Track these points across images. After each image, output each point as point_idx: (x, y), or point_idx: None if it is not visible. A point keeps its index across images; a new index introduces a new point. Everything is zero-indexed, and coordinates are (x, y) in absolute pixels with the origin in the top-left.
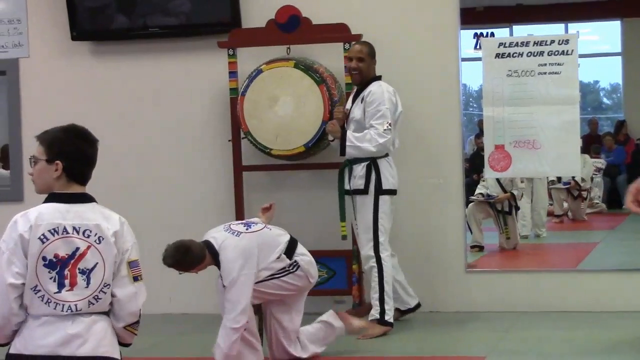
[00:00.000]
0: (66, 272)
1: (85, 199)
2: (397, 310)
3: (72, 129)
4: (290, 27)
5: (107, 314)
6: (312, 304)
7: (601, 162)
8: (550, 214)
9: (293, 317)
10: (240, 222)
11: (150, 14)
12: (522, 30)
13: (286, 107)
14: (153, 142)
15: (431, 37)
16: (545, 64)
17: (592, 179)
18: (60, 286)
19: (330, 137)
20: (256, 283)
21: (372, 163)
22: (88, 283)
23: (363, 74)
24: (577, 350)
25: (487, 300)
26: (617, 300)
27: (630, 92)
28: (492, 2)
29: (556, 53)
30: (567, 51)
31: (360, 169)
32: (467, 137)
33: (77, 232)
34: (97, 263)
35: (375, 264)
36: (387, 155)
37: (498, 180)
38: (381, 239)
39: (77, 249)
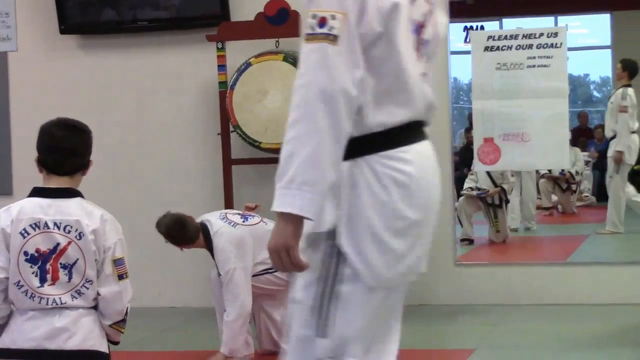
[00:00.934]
0: (48, 266)
1: (69, 193)
2: None
3: (50, 121)
4: (279, 20)
5: (95, 308)
6: None
7: (587, 155)
8: (539, 207)
9: (282, 310)
10: (236, 212)
11: (140, 7)
12: (511, 24)
13: (275, 101)
14: (141, 136)
15: None
16: (535, 57)
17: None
18: (42, 281)
19: None
20: (252, 277)
21: None
22: (70, 278)
23: None
24: (566, 343)
25: (477, 294)
26: (606, 293)
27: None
28: None
29: (545, 46)
30: (556, 44)
31: None
32: (457, 131)
33: (58, 228)
34: (78, 259)
35: None
36: None
37: (489, 173)
38: None
39: (58, 244)
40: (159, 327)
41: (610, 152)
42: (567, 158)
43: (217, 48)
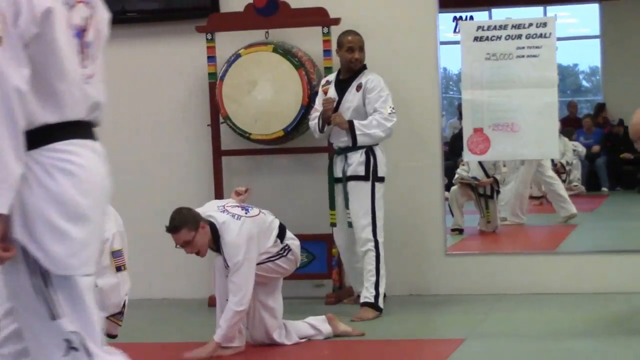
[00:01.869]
0: None
1: None
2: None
3: None
4: (268, 12)
5: None
6: (292, 288)
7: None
8: (529, 196)
9: (276, 297)
10: (234, 204)
11: None
12: (500, 14)
13: (265, 92)
14: (131, 128)
15: (409, 21)
16: (524, 47)
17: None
18: None
19: (311, 126)
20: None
21: (370, 150)
22: None
23: (361, 63)
24: (555, 331)
25: (467, 283)
26: (595, 282)
27: (609, 74)
28: None
29: (534, 36)
30: (545, 34)
31: (358, 156)
32: (447, 121)
33: None
34: None
35: (373, 248)
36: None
37: (481, 164)
38: (379, 223)
39: None
40: (150, 318)
41: None
42: (556, 148)
43: (207, 39)
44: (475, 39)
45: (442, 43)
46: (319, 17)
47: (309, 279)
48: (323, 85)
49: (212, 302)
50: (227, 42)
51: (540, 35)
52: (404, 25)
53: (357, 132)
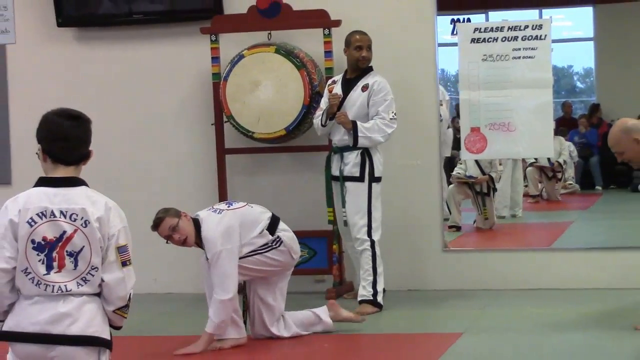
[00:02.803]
0: (54, 254)
1: (74, 182)
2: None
3: (52, 111)
4: (271, 13)
5: (98, 295)
6: (293, 283)
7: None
8: (525, 194)
9: (277, 296)
10: (223, 202)
11: (136, 0)
12: (497, 16)
13: (268, 92)
14: (137, 126)
15: (408, 23)
16: (520, 49)
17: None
18: (49, 268)
19: (315, 123)
20: (240, 259)
21: (365, 151)
22: (76, 265)
23: (368, 62)
24: (550, 326)
25: (464, 279)
26: (590, 278)
27: (603, 76)
28: None
29: (530, 38)
30: (541, 36)
31: (354, 157)
32: None
33: (64, 216)
34: (83, 246)
35: (369, 247)
36: None
37: (477, 162)
38: (374, 224)
39: (64, 232)
40: (155, 312)
41: None
42: (551, 147)
43: (211, 40)
44: (473, 40)
45: (440, 45)
46: (320, 19)
47: (310, 275)
48: (329, 85)
49: None
50: (231, 43)
51: (536, 37)
52: (403, 27)
53: (359, 134)
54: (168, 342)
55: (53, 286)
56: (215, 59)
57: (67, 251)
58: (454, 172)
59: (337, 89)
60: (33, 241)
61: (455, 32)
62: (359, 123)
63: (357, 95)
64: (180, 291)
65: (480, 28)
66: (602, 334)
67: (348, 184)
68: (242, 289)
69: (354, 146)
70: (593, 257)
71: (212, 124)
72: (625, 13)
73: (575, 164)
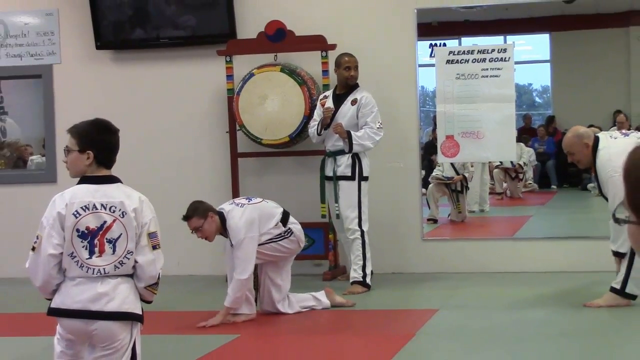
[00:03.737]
0: (96, 241)
1: (112, 180)
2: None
3: (98, 123)
4: (277, 38)
5: (131, 276)
6: (295, 267)
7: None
8: (492, 192)
9: (284, 277)
10: (243, 197)
11: (162, 27)
12: (468, 41)
13: (274, 104)
14: (163, 134)
15: (393, 47)
16: (487, 69)
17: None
18: (91, 253)
19: (310, 132)
20: (258, 246)
21: (356, 155)
22: (114, 250)
23: (355, 80)
24: (513, 304)
25: (440, 264)
26: (547, 263)
27: (558, 92)
28: (444, 18)
29: (496, 60)
30: (505, 58)
31: (346, 159)
32: (424, 130)
33: (105, 208)
34: (121, 234)
35: (359, 237)
36: None
37: (452, 164)
38: (364, 216)
39: (105, 222)
40: (179, 291)
41: None
42: (514, 152)
43: (226, 61)
44: (448, 62)
45: (421, 65)
46: (318, 44)
47: (309, 260)
48: (321, 99)
49: None
50: (243, 63)
51: (501, 59)
52: (389, 50)
53: (354, 142)
54: (191, 316)
55: (94, 269)
56: (229, 77)
57: (106, 238)
58: (433, 173)
59: (329, 103)
60: (78, 230)
61: (433, 55)
62: (352, 133)
63: (347, 108)
64: (200, 273)
65: (454, 51)
66: (556, 311)
67: (341, 183)
68: (254, 271)
69: (349, 152)
70: (549, 245)
71: (226, 132)
72: (577, 39)
73: (534, 167)
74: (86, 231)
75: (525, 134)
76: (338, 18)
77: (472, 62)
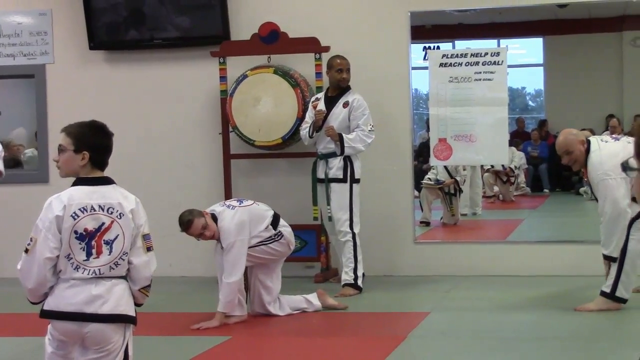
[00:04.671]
0: (93, 243)
1: (107, 181)
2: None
3: (94, 125)
4: (270, 40)
5: (125, 278)
6: (287, 269)
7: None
8: (483, 195)
9: (274, 279)
10: (234, 199)
11: (156, 28)
12: (462, 45)
13: (267, 106)
14: (156, 135)
15: (387, 50)
16: (480, 72)
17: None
18: (89, 255)
19: (302, 135)
20: (249, 248)
21: (347, 157)
22: (110, 251)
23: (347, 82)
24: (504, 307)
25: (432, 267)
26: (538, 267)
27: (550, 96)
28: (438, 21)
29: (489, 63)
30: (498, 62)
31: (338, 162)
32: (417, 132)
33: (102, 210)
34: (118, 235)
35: (350, 239)
36: None
37: (446, 167)
38: (355, 218)
39: (103, 223)
40: (171, 292)
41: None
42: (506, 156)
43: (219, 62)
44: (441, 65)
45: (414, 68)
46: (312, 45)
47: (301, 262)
48: (312, 102)
49: None
50: (236, 64)
51: (494, 63)
52: (383, 53)
53: (346, 145)
54: (183, 317)
55: (89, 270)
56: (223, 78)
57: (104, 240)
58: (427, 176)
59: (321, 106)
60: (76, 232)
61: (426, 58)
62: (344, 135)
63: (339, 111)
64: (192, 275)
65: (448, 54)
66: (547, 314)
67: (333, 185)
68: (244, 273)
69: (341, 154)
70: (541, 249)
71: (219, 133)
72: (570, 44)
73: (525, 171)
74: (84, 233)
75: (517, 137)
76: (332, 20)
77: (466, 65)
